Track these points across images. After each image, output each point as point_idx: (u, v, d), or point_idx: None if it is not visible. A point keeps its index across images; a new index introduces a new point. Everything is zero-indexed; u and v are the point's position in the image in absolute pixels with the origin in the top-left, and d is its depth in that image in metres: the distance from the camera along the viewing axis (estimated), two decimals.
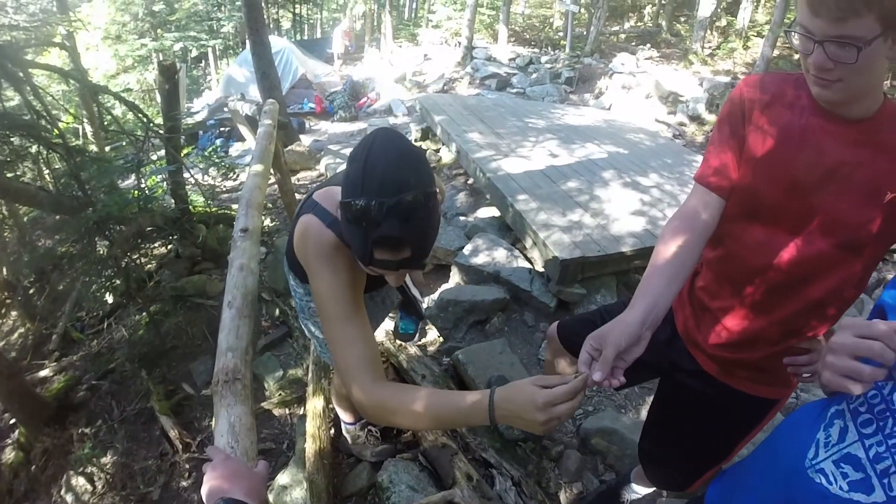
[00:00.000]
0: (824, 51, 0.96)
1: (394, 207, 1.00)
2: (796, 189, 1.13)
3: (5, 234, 5.04)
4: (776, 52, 9.61)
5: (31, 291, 4.77)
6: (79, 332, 4.33)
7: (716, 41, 13.43)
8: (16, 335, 4.76)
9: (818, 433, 0.87)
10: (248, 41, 7.38)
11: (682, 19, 16.43)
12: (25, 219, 5.06)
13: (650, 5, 18.25)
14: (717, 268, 1.34)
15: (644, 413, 2.34)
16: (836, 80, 1.00)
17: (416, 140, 6.76)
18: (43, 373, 3.98)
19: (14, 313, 4.91)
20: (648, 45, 13.82)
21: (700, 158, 5.83)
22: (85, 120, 7.59)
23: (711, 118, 8.89)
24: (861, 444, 0.78)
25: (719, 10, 14.29)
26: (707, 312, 1.38)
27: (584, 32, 14.76)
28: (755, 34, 12.91)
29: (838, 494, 0.79)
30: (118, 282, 4.03)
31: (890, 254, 5.01)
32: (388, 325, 2.60)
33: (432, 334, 3.19)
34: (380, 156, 1.03)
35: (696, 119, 9.06)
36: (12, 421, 3.69)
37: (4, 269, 4.72)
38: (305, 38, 23.26)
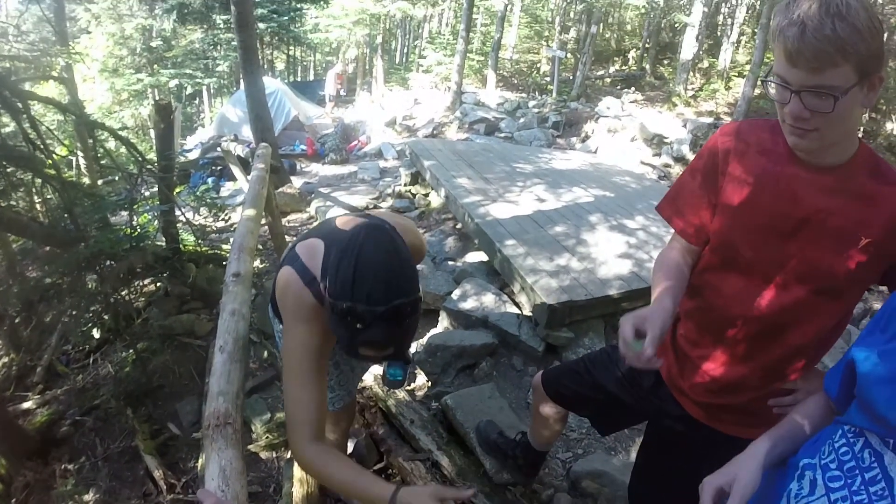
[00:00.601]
0: (801, 100, 0.97)
1: (382, 315, 1.04)
2: (771, 237, 1.16)
3: None
4: (757, 92, 9.90)
5: (17, 321, 4.71)
6: (64, 365, 4.27)
7: (698, 83, 13.81)
8: None
9: (791, 483, 0.88)
10: (242, 82, 7.52)
11: (666, 62, 16.93)
12: (15, 247, 5.03)
13: (634, 49, 18.84)
14: (696, 318, 1.37)
15: (634, 454, 2.34)
16: (812, 129, 1.01)
17: (405, 185, 6.83)
18: (26, 405, 3.90)
19: None
20: (633, 89, 14.20)
21: None
22: (79, 152, 7.63)
23: None
24: (827, 499, 0.79)
25: (701, 53, 14.76)
26: (689, 360, 1.39)
27: (571, 77, 15.17)
28: (736, 74, 13.33)
29: None
30: (106, 317, 4.01)
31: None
32: (376, 370, 2.61)
33: (421, 379, 3.19)
34: (370, 259, 1.06)
35: (680, 160, 9.25)
36: None
37: None
38: (299, 79, 23.63)
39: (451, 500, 1.11)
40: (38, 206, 4.53)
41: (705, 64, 14.99)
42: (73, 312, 3.80)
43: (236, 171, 6.86)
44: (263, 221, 3.96)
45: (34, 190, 4.04)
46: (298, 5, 15.66)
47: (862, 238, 1.07)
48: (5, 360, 4.62)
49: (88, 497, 3.04)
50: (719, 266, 1.27)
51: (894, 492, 0.71)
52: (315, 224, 1.84)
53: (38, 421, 3.61)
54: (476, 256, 4.58)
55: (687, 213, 1.34)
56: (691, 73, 13.47)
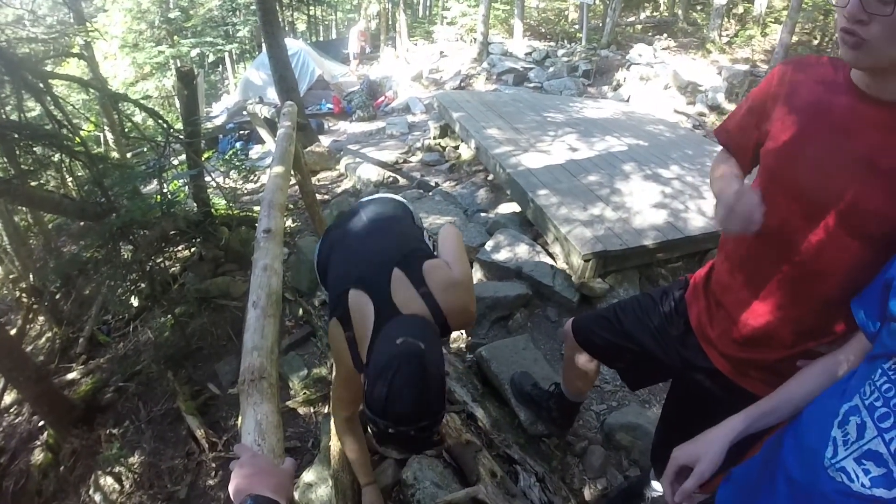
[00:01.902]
0: (860, 0, 0.90)
1: (408, 433, 1.24)
2: (818, 170, 1.08)
3: (31, 241, 5.14)
4: (795, 39, 9.42)
5: (57, 296, 4.86)
6: (105, 335, 4.41)
7: (733, 29, 13.21)
8: (43, 339, 4.87)
9: (832, 431, 0.85)
10: (264, 44, 7.43)
11: (699, 7, 16.17)
12: (50, 225, 5.17)
13: None
14: (731, 255, 1.31)
15: None
16: (865, 38, 0.92)
17: (434, 138, 6.76)
18: (70, 375, 4.07)
19: (41, 318, 5.02)
20: (665, 35, 13.64)
21: (720, 149, 5.73)
22: (106, 127, 7.73)
23: (731, 107, 8.74)
24: (882, 439, 0.77)
25: None
26: (720, 308, 1.34)
27: (600, 24, 14.63)
28: (773, 20, 12.67)
29: (860, 492, 0.78)
30: (143, 285, 4.09)
31: None
32: None
33: (455, 332, 3.18)
34: (403, 389, 1.22)
35: (715, 109, 8.93)
36: (41, 423, 3.77)
37: (31, 276, 4.82)
38: (321, 39, 23.36)
39: None
40: (69, 183, 4.61)
41: (740, 9, 14.26)
42: (111, 283, 3.89)
43: (263, 132, 6.85)
44: (293, 180, 3.96)
45: (64, 167, 4.10)
46: None
47: None
48: (48, 334, 4.80)
49: (134, 459, 3.16)
50: (762, 196, 1.17)
51: None
52: (365, 209, 1.89)
53: (83, 390, 3.76)
54: (508, 207, 4.51)
55: (733, 132, 1.32)
56: (726, 19, 12.86)
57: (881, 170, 1.00)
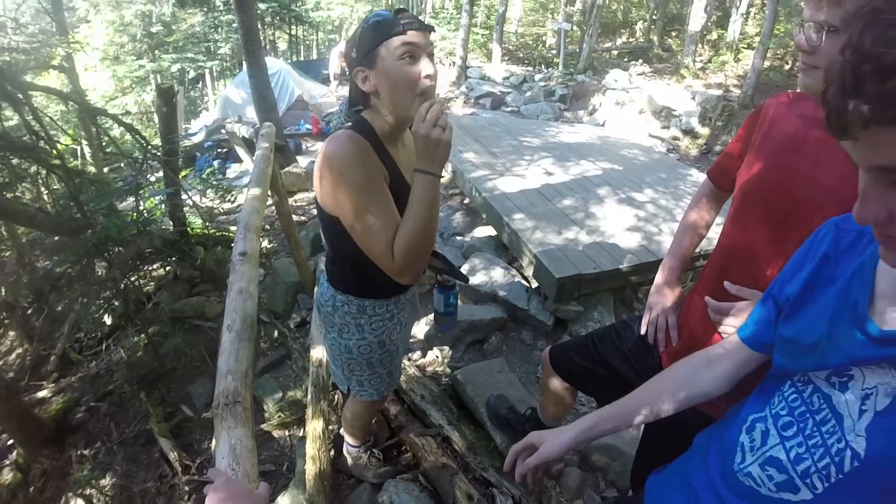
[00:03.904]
0: (803, 33, 1.00)
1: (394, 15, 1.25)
2: (787, 197, 1.15)
3: (4, 254, 5.04)
4: (767, 64, 9.72)
5: (29, 312, 4.77)
6: (77, 353, 4.33)
7: (707, 55, 13.58)
8: (13, 355, 4.75)
9: (741, 437, 0.89)
10: (244, 63, 7.45)
11: (674, 34, 16.63)
12: (24, 239, 5.07)
13: (641, 21, 18.49)
14: (705, 279, 1.38)
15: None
16: (813, 65, 1.02)
17: None
18: (41, 394, 3.97)
19: (12, 333, 4.91)
20: (641, 61, 13.98)
21: (694, 172, 5.93)
22: (83, 141, 7.64)
23: (705, 132, 8.97)
24: (783, 447, 0.80)
25: (710, 24, 14.46)
26: (691, 339, 1.40)
27: (577, 50, 14.92)
28: (745, 46, 13.07)
29: (768, 495, 0.81)
30: (117, 303, 4.05)
31: None
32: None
33: (431, 354, 3.20)
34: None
35: (689, 133, 9.13)
36: (10, 441, 3.67)
37: (3, 290, 4.73)
38: (301, 59, 23.45)
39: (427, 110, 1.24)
40: (44, 197, 4.55)
41: (714, 35, 14.69)
42: (84, 300, 3.84)
43: (241, 152, 6.84)
44: (270, 201, 3.96)
45: (40, 180, 4.05)
46: None
47: None
48: (19, 350, 4.69)
49: (105, 481, 3.09)
50: (735, 215, 1.29)
51: (843, 427, 0.71)
52: None
53: (54, 409, 3.67)
54: (484, 231, 4.55)
55: (719, 158, 1.44)
56: (700, 45, 13.23)
57: (843, 198, 1.05)
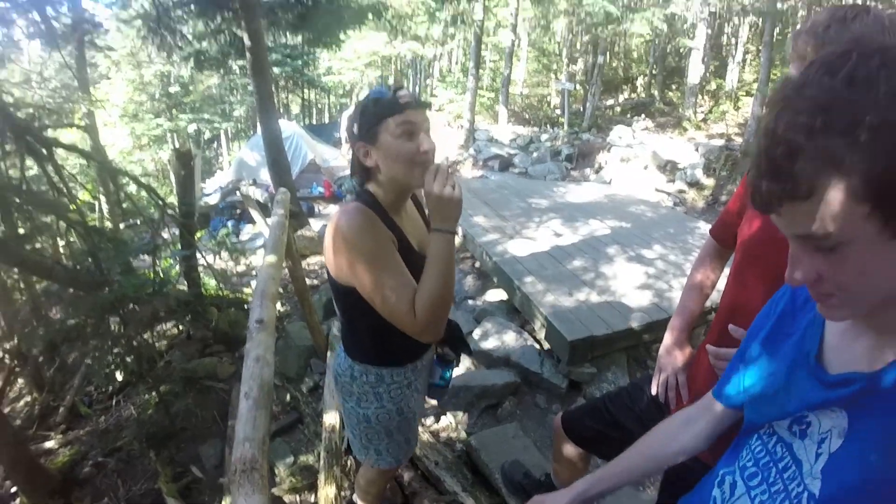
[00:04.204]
0: None
1: (392, 97, 1.33)
2: (780, 252, 1.17)
3: (17, 303, 5.09)
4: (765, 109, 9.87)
5: (40, 361, 4.77)
6: (87, 406, 4.30)
7: (707, 105, 13.85)
8: (22, 403, 4.71)
9: (713, 491, 0.91)
10: (259, 127, 7.71)
11: (674, 87, 17.03)
12: (38, 287, 5.13)
13: (642, 76, 18.99)
14: (709, 334, 1.41)
15: None
16: None
17: None
18: (48, 444, 3.93)
19: (21, 381, 4.89)
20: (643, 116, 14.27)
21: (702, 224, 5.98)
22: (101, 196, 7.83)
23: (710, 182, 9.04)
24: (748, 496, 0.82)
25: (708, 75, 14.84)
26: (696, 390, 1.42)
27: (581, 108, 15.30)
28: (744, 93, 13.34)
29: None
30: (129, 360, 4.06)
31: None
32: None
33: (444, 420, 3.18)
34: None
35: (694, 185, 9.21)
36: (14, 489, 3.62)
37: (16, 338, 4.74)
38: (314, 122, 24.11)
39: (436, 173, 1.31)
40: (61, 249, 4.64)
41: (713, 86, 15.07)
42: (97, 354, 3.86)
43: (256, 214, 6.98)
44: (284, 266, 4.03)
45: (59, 234, 4.15)
46: (311, 50, 16.08)
47: None
48: (28, 399, 4.67)
49: None
50: (736, 272, 1.33)
51: (802, 472, 0.73)
52: None
53: (61, 461, 3.64)
54: (496, 295, 4.57)
55: (720, 216, 1.49)
56: (700, 96, 13.55)
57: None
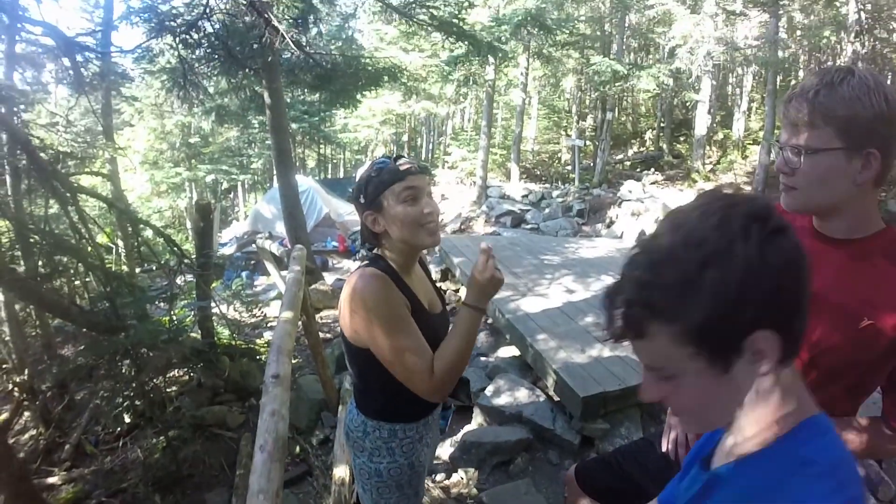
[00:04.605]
0: (783, 156, 1.07)
1: (394, 165, 1.44)
2: None
3: (30, 337, 5.12)
4: (772, 157, 10.04)
5: (48, 395, 4.76)
6: (93, 446, 4.26)
7: (715, 156, 14.00)
8: (27, 436, 4.67)
9: None
10: (276, 181, 7.91)
11: (682, 139, 17.25)
12: (52, 324, 5.16)
13: (650, 130, 19.29)
14: None
15: None
16: (792, 186, 1.08)
17: (437, 280, 6.82)
18: (51, 479, 3.88)
19: (27, 414, 4.87)
20: (653, 170, 14.43)
21: None
22: (119, 240, 7.97)
23: None
24: None
25: (715, 125, 15.06)
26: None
27: (591, 164, 15.52)
28: (751, 142, 13.49)
29: None
30: (138, 403, 4.06)
31: None
32: None
33: (456, 476, 3.14)
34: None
35: None
36: None
37: (27, 372, 4.75)
38: (329, 176, 24.61)
39: (488, 258, 1.40)
40: (77, 291, 4.71)
41: (720, 136, 15.29)
42: (107, 395, 3.88)
43: (271, 267, 7.07)
44: (299, 321, 4.07)
45: (77, 275, 4.24)
46: (328, 108, 16.62)
47: (864, 319, 1.06)
48: (33, 433, 4.64)
49: None
50: None
51: None
52: None
53: (63, 498, 3.62)
54: (508, 351, 4.55)
55: None
56: (707, 147, 13.74)
57: (833, 305, 1.08)
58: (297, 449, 3.64)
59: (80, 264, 4.01)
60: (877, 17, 9.92)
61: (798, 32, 11.82)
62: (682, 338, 0.64)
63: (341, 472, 2.79)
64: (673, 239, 0.64)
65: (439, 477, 3.13)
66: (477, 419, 3.65)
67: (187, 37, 6.35)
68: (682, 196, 10.89)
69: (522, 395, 3.65)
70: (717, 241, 0.61)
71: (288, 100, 11.74)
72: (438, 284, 6.19)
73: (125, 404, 4.07)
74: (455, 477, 3.14)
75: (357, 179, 1.54)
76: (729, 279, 0.61)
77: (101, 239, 6.52)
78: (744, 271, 0.61)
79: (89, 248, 4.14)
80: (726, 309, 0.61)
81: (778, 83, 10.85)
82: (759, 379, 0.67)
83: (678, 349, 0.65)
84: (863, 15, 9.39)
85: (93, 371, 4.00)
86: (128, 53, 7.09)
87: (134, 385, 3.85)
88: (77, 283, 4.53)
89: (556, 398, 3.60)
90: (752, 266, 0.61)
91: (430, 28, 8.38)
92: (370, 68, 8.53)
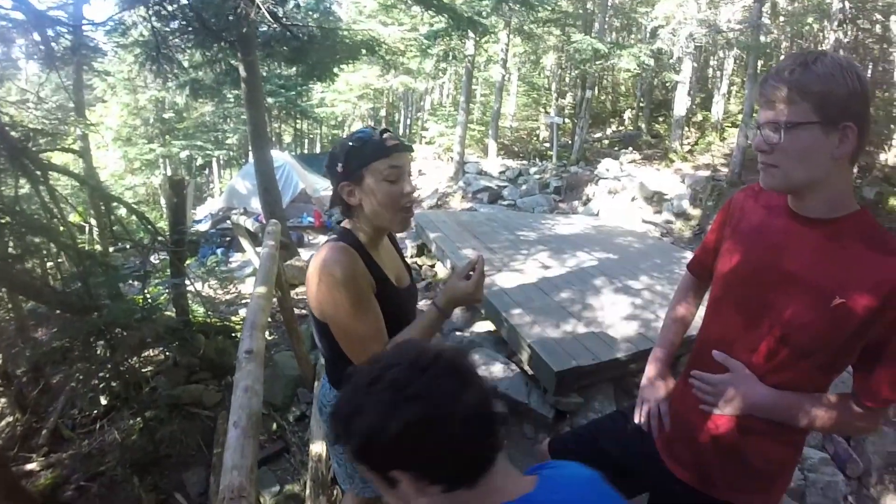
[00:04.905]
0: (761, 134, 1.09)
1: (379, 137, 1.41)
2: (756, 284, 1.22)
3: (2, 322, 5.03)
4: (750, 140, 10.17)
5: (24, 381, 4.70)
6: (70, 430, 4.23)
7: (693, 137, 14.11)
8: (3, 423, 4.63)
9: None
10: (251, 156, 7.79)
11: (661, 119, 17.35)
12: (25, 307, 5.09)
13: (629, 109, 19.37)
14: (690, 364, 1.43)
15: None
16: (772, 164, 1.09)
17: (411, 256, 6.85)
18: (30, 466, 3.84)
19: (3, 400, 4.81)
20: (630, 149, 14.51)
21: (688, 254, 6.05)
22: (92, 220, 7.81)
23: (697, 213, 9.19)
24: None
25: (694, 107, 15.16)
26: (679, 419, 1.45)
27: (569, 141, 15.54)
28: (729, 125, 13.63)
29: None
30: (114, 384, 4.02)
31: None
32: None
33: None
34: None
35: (681, 215, 9.35)
36: None
37: (1, 357, 4.67)
38: (305, 152, 24.30)
39: (470, 270, 1.43)
40: (50, 271, 4.62)
41: (699, 118, 15.39)
42: (82, 378, 3.83)
43: (245, 243, 6.99)
44: (273, 296, 4.04)
45: (49, 256, 4.15)
46: (305, 81, 16.32)
47: (836, 298, 1.09)
48: (10, 419, 4.58)
49: None
50: (713, 304, 1.37)
51: None
52: None
53: (42, 483, 3.59)
54: (483, 326, 4.59)
55: (697, 252, 1.55)
56: (686, 128, 13.82)
57: (807, 283, 1.13)
58: (274, 426, 3.64)
59: (52, 244, 3.91)
60: (860, 8, 10.01)
61: (781, 18, 11.88)
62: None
63: (318, 448, 2.80)
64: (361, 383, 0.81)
65: None
66: None
67: (160, 8, 6.17)
68: (659, 175, 10.97)
69: (497, 369, 3.69)
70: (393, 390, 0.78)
71: (264, 73, 11.47)
72: (414, 260, 6.16)
73: (101, 386, 4.02)
74: None
75: (335, 147, 1.49)
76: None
77: (74, 218, 6.37)
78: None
79: (61, 228, 4.04)
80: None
81: (759, 68, 10.93)
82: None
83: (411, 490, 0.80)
84: (847, 4, 9.47)
85: (67, 354, 3.93)
86: (99, 26, 6.82)
87: (109, 366, 3.80)
88: (50, 263, 4.43)
89: (531, 372, 3.64)
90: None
91: (409, 1, 8.23)
92: (348, 41, 8.38)
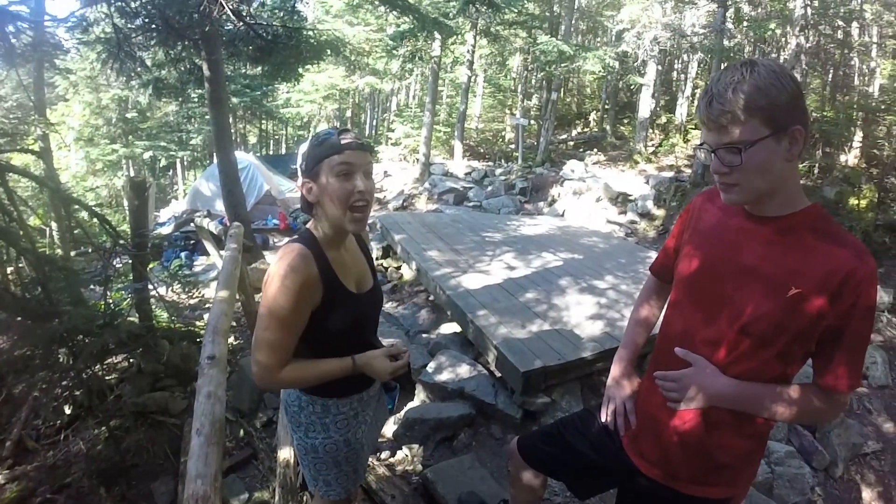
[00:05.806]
0: (717, 158, 1.13)
1: (338, 138, 1.44)
2: (714, 280, 1.29)
3: None
4: (701, 160, 10.43)
5: None
6: (34, 441, 4.12)
7: (658, 139, 14.39)
8: None
9: None
10: (216, 158, 7.66)
11: (625, 121, 17.69)
12: None
13: (594, 111, 19.65)
14: (653, 363, 1.49)
15: None
16: (733, 183, 1.15)
17: (376, 258, 6.79)
18: None
19: None
20: (595, 150, 14.74)
21: (653, 254, 6.18)
22: (52, 223, 7.59)
23: (661, 213, 9.36)
24: None
25: (658, 109, 15.47)
26: (645, 417, 1.50)
27: (535, 143, 15.66)
28: (693, 127, 13.94)
29: None
30: (78, 393, 3.93)
31: None
32: None
33: (400, 453, 3.19)
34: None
35: (646, 216, 9.50)
36: None
37: None
38: (271, 153, 23.96)
39: (399, 355, 1.57)
40: (9, 277, 4.49)
41: (663, 120, 15.72)
42: (45, 387, 3.74)
43: (209, 246, 6.88)
44: (237, 300, 4.00)
45: (8, 261, 4.03)
46: (270, 82, 16.12)
47: (792, 288, 1.16)
48: None
49: None
50: (674, 303, 1.43)
51: None
52: None
53: (7, 497, 3.48)
54: (450, 328, 4.61)
55: (658, 255, 1.62)
56: (650, 130, 14.09)
57: (763, 275, 1.20)
58: (241, 432, 3.60)
59: (11, 248, 3.80)
60: (822, 14, 10.32)
61: (745, 23, 12.20)
62: None
63: (286, 453, 2.78)
64: None
65: (384, 455, 3.17)
66: (419, 396, 3.70)
67: (123, 4, 6.01)
68: (623, 176, 11.16)
69: (464, 370, 3.72)
70: None
71: (229, 73, 11.29)
72: (380, 262, 6.13)
73: (64, 395, 3.92)
74: (399, 454, 3.19)
75: (301, 147, 1.54)
76: None
77: (34, 221, 6.20)
78: None
79: (21, 232, 3.92)
80: None
81: None
82: None
83: None
84: (809, 10, 9.75)
85: (29, 362, 3.82)
86: (61, 23, 6.61)
87: (72, 374, 3.71)
88: (9, 268, 4.30)
89: (498, 373, 3.68)
90: None
91: (376, 1, 8.19)
92: (312, 41, 8.29)
